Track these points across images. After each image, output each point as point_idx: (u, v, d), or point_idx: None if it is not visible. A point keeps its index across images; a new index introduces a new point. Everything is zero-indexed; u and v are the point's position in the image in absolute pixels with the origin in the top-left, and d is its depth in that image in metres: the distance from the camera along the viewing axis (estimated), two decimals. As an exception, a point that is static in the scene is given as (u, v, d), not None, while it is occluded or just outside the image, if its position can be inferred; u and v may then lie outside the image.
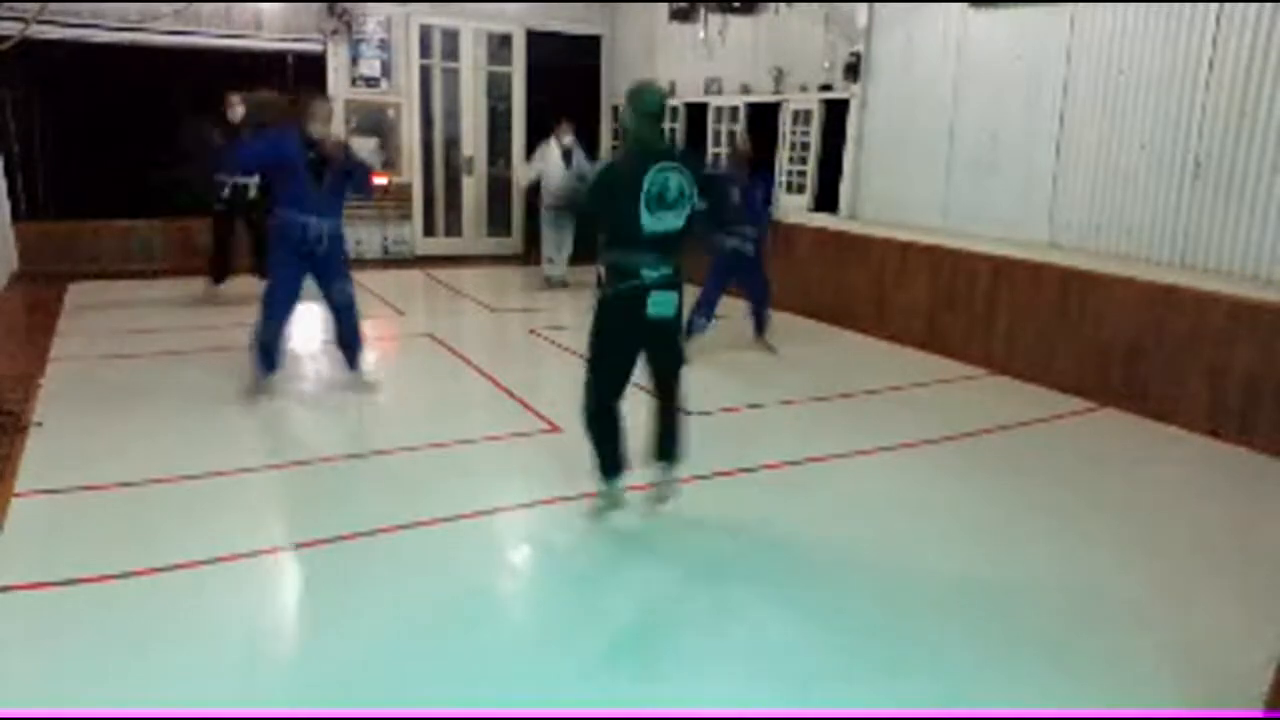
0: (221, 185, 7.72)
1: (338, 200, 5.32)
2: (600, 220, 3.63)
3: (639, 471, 3.93)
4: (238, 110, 7.77)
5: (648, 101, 3.57)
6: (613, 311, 3.61)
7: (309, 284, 5.41)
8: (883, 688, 2.81)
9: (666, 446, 3.86)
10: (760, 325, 7.04)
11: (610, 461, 3.77)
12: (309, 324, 6.53)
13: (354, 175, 5.34)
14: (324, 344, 6.19)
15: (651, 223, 3.46)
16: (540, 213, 9.50)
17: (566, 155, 9.08)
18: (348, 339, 5.61)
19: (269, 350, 5.35)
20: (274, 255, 5.40)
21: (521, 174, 9.75)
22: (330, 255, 5.32)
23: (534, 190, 9.52)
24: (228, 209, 7.84)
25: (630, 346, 3.66)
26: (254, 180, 7.65)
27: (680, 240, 3.59)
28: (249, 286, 7.48)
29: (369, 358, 5.93)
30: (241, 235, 7.97)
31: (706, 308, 6.75)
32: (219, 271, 8.03)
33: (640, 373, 3.80)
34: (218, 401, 5.32)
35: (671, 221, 3.50)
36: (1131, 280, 5.71)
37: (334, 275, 5.40)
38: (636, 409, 3.90)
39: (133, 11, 8.97)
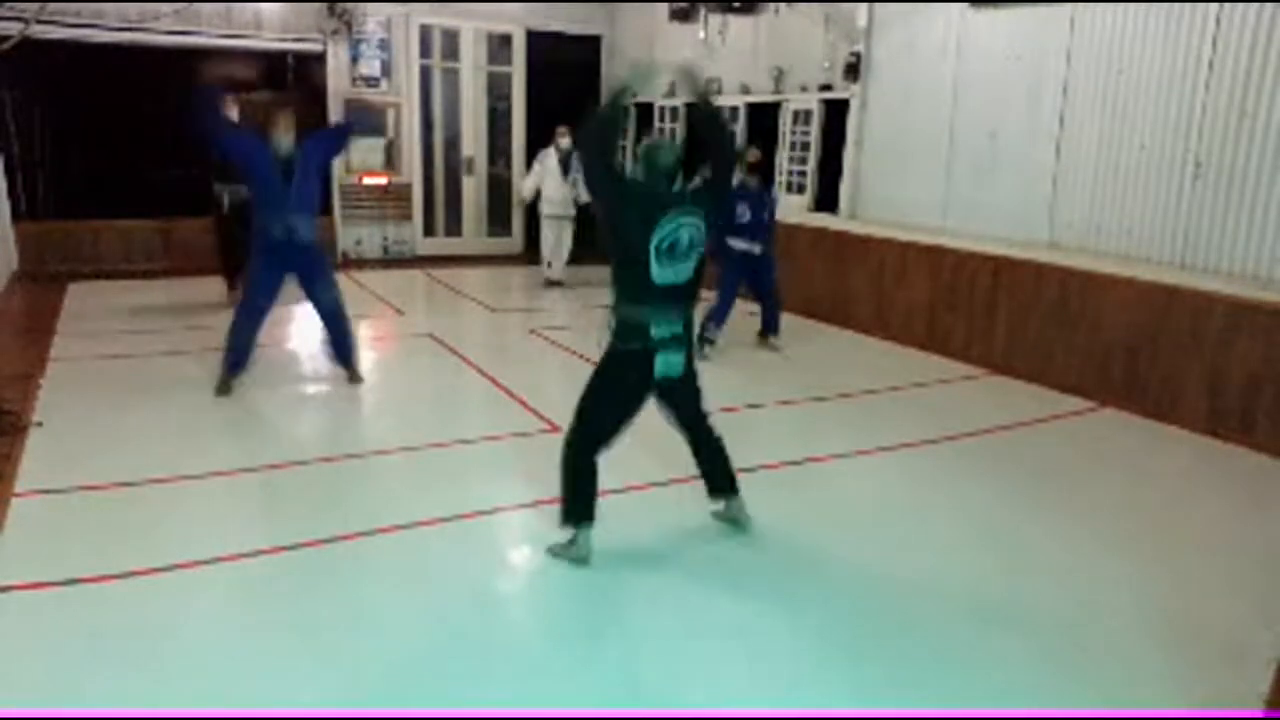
0: (220, 195, 7.72)
1: (309, 196, 5.41)
2: (601, 197, 3.52)
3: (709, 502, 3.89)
4: (232, 112, 7.77)
5: (660, 166, 3.47)
6: (619, 367, 3.49)
7: (296, 287, 5.50)
8: (882, 687, 2.81)
9: (721, 480, 3.83)
10: (773, 325, 7.07)
11: (582, 506, 3.54)
12: (307, 324, 6.55)
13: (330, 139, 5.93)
14: (322, 344, 6.19)
15: (661, 273, 3.37)
16: (540, 218, 9.56)
17: (564, 162, 9.09)
18: (338, 343, 5.75)
19: (240, 350, 5.43)
20: (254, 260, 5.48)
21: (525, 187, 9.69)
22: (310, 257, 5.44)
23: (533, 199, 9.58)
24: (227, 217, 7.82)
25: (633, 403, 3.56)
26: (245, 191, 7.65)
27: (691, 290, 3.52)
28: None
29: (363, 358, 5.99)
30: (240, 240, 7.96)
31: (719, 317, 6.76)
32: (230, 274, 8.05)
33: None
34: (217, 401, 5.33)
35: (682, 272, 3.42)
36: (1131, 280, 5.71)
37: (315, 277, 5.52)
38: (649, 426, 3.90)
39: (133, 11, 8.97)
